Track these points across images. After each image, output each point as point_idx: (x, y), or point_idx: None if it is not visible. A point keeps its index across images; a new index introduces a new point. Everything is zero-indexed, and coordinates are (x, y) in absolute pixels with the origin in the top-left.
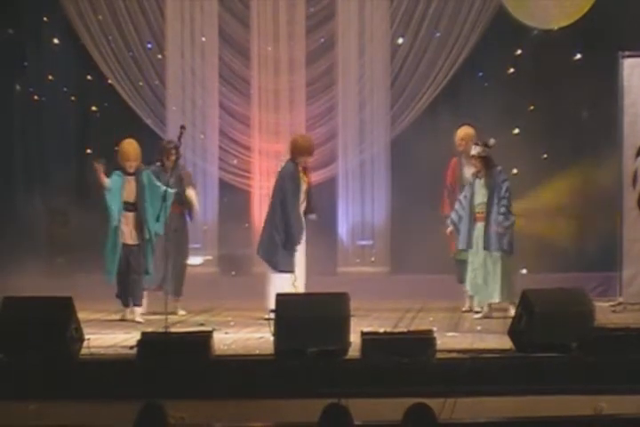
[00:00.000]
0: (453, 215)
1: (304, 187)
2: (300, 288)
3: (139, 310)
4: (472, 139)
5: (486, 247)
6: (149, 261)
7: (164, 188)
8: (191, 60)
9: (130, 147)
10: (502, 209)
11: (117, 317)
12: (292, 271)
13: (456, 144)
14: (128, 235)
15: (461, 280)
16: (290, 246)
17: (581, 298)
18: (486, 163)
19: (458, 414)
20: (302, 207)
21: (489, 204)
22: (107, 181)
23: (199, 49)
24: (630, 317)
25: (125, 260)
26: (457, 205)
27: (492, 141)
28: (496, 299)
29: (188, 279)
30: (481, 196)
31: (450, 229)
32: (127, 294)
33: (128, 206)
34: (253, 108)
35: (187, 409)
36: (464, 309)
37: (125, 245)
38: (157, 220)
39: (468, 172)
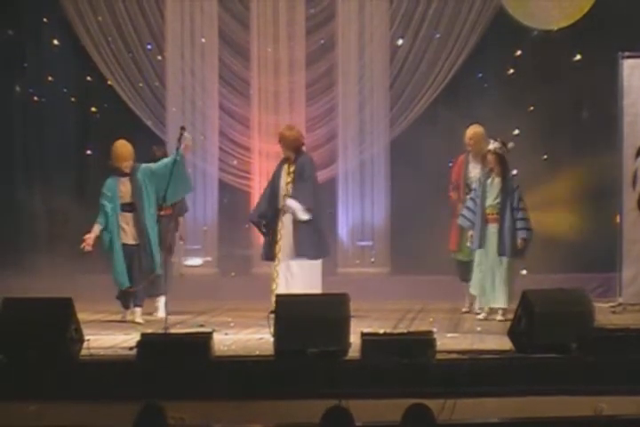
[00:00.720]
0: (468, 213)
1: (285, 179)
2: (293, 288)
3: (139, 310)
4: (481, 138)
5: (501, 253)
6: (155, 259)
7: (168, 159)
8: (191, 61)
9: (123, 148)
10: (520, 223)
11: (117, 318)
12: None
13: (465, 143)
14: (129, 235)
15: (464, 279)
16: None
17: (581, 299)
18: (501, 161)
19: (457, 414)
20: (282, 203)
21: (502, 208)
22: (99, 229)
23: (199, 50)
24: (630, 317)
25: (127, 260)
26: (470, 204)
27: (511, 145)
28: (500, 304)
29: (188, 280)
30: (492, 197)
31: (470, 233)
32: (128, 296)
33: (125, 207)
34: (253, 110)
35: (186, 410)
36: (464, 309)
37: (126, 246)
38: (165, 200)
39: (474, 170)
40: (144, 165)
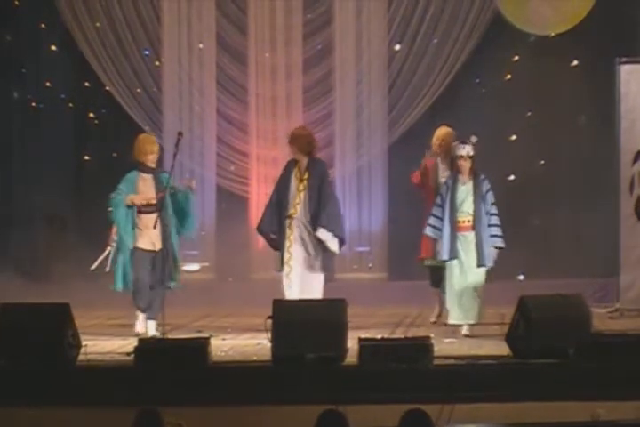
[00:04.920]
0: (436, 222)
1: (296, 185)
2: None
3: (153, 324)
4: (452, 139)
5: (481, 263)
6: (174, 267)
7: (183, 191)
8: (188, 66)
9: (147, 139)
10: (494, 230)
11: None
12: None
13: (434, 145)
14: (145, 239)
15: (436, 285)
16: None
17: (578, 304)
18: (473, 165)
19: (455, 420)
20: (292, 210)
21: (477, 215)
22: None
23: (196, 56)
24: (627, 323)
25: (145, 267)
26: (438, 211)
27: (474, 139)
28: (473, 320)
29: (185, 286)
30: (467, 203)
31: (439, 243)
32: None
33: (146, 208)
34: (251, 115)
35: (184, 416)
36: (432, 320)
37: (139, 250)
38: (184, 226)
39: (444, 174)
40: (167, 175)
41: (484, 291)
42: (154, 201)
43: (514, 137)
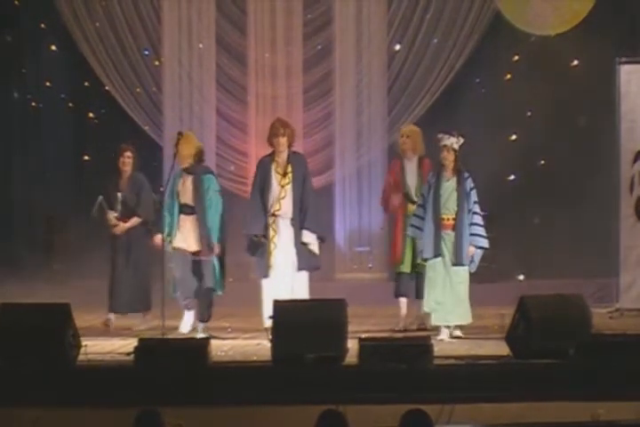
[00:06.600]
0: (418, 222)
1: (278, 180)
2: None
3: (201, 325)
4: (418, 137)
5: (457, 262)
6: (216, 273)
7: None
8: (188, 66)
9: (181, 139)
10: (475, 229)
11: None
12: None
13: (400, 142)
14: (185, 240)
15: (404, 294)
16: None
17: (578, 304)
18: (456, 158)
19: (455, 420)
20: (277, 207)
21: (459, 213)
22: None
23: (196, 55)
24: (627, 323)
25: (183, 267)
26: (420, 211)
27: (461, 140)
28: (465, 321)
29: None
30: (451, 201)
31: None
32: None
33: (185, 209)
34: (250, 115)
35: (184, 416)
36: (398, 328)
37: (179, 251)
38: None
39: (411, 178)
40: (210, 176)
41: (467, 292)
42: (191, 202)
43: (514, 137)
